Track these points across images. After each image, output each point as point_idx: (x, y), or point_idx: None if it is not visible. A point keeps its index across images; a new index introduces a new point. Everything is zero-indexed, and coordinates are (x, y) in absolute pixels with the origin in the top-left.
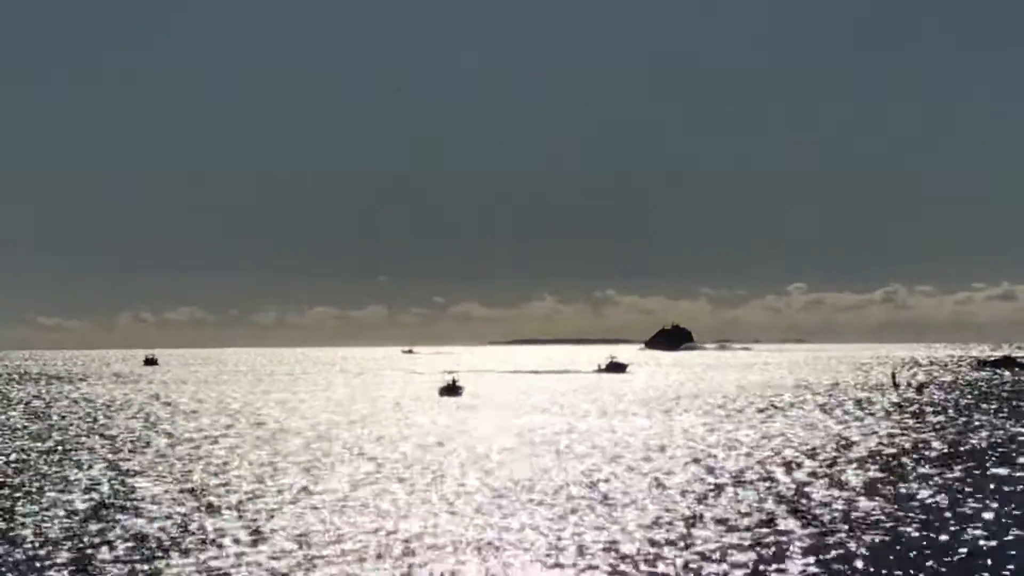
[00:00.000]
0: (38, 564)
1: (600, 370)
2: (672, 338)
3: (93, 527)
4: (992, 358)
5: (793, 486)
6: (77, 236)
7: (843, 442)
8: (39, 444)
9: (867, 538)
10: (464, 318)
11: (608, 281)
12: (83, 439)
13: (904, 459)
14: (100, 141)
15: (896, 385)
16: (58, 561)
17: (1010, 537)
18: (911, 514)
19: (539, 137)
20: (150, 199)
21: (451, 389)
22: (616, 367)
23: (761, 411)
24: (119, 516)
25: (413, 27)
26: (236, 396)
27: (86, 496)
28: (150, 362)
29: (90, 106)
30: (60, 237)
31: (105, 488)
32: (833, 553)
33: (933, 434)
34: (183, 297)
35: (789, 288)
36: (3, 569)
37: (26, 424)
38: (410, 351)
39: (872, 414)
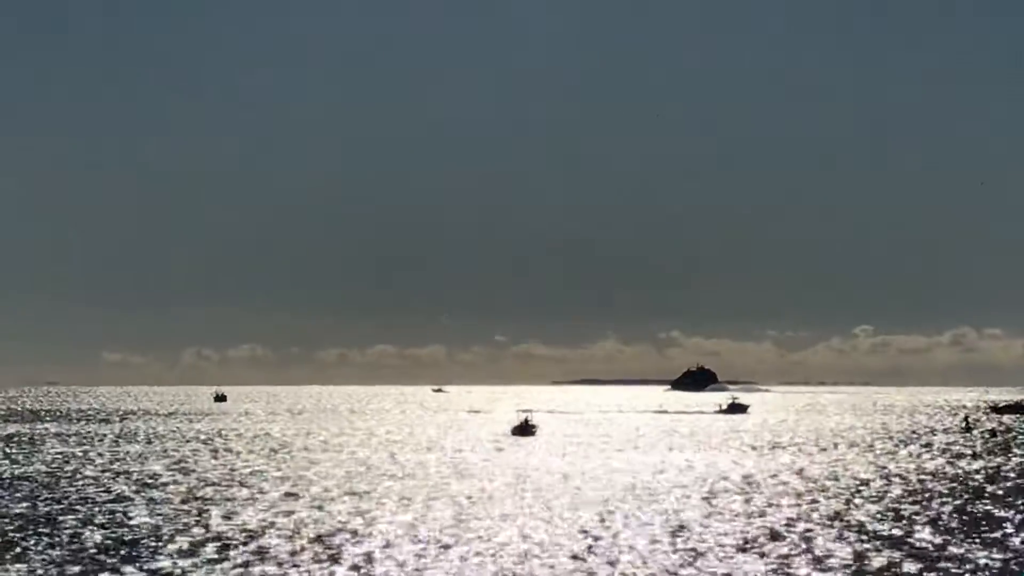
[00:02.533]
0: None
1: (721, 411)
2: (697, 380)
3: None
4: (1006, 403)
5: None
6: (141, 273)
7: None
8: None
9: None
10: (526, 357)
11: (672, 322)
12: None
13: None
14: (167, 180)
15: (969, 429)
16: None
17: None
18: None
19: (605, 177)
20: (214, 238)
21: (524, 428)
22: (737, 408)
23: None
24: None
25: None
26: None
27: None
28: (220, 399)
29: (159, 144)
30: (125, 274)
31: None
32: None
33: None
34: (245, 335)
35: (855, 330)
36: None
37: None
38: (440, 390)
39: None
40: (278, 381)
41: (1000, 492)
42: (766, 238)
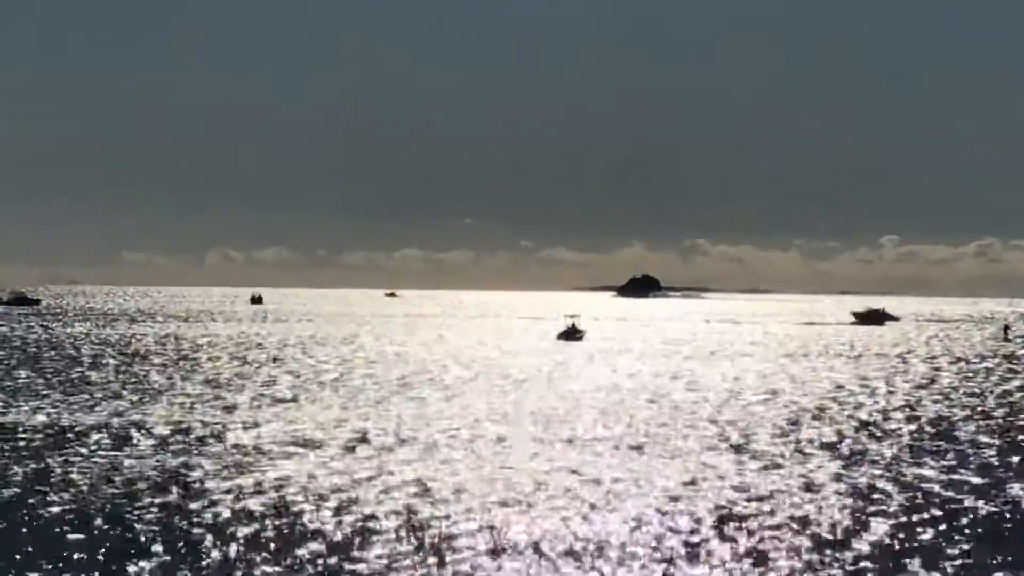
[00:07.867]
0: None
1: (856, 322)
2: (641, 286)
3: None
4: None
5: None
6: (165, 173)
7: None
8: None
9: None
10: (551, 262)
11: (699, 229)
12: None
13: None
14: (191, 77)
15: (1008, 338)
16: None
17: None
18: None
19: (635, 82)
20: (237, 137)
21: (571, 333)
22: (879, 317)
23: None
24: None
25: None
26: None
27: None
28: (256, 301)
29: (183, 40)
30: (149, 174)
31: None
32: None
33: None
34: (271, 236)
35: (882, 240)
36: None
37: None
38: (392, 294)
39: None
40: (303, 283)
41: None
42: (795, 146)
